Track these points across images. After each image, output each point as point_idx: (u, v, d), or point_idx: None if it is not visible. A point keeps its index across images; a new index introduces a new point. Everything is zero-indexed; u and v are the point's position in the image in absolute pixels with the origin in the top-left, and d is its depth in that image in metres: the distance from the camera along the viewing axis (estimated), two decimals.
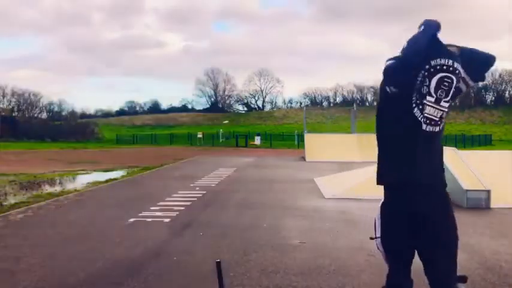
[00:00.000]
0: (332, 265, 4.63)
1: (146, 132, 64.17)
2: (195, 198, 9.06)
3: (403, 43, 2.32)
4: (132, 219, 6.96)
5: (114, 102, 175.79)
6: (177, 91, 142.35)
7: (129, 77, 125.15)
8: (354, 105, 34.37)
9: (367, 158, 20.31)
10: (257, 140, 40.69)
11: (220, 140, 47.69)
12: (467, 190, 8.06)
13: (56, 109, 65.50)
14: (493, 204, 7.97)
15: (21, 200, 9.21)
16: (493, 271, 4.47)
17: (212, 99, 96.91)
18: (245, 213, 7.60)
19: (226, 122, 77.04)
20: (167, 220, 6.91)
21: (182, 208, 7.92)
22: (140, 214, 7.39)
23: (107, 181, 12.61)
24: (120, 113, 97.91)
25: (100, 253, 5.07)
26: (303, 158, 21.57)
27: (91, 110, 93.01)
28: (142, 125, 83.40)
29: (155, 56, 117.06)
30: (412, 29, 2.36)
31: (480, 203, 8.00)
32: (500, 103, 72.95)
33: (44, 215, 7.45)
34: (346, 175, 11.99)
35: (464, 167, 8.78)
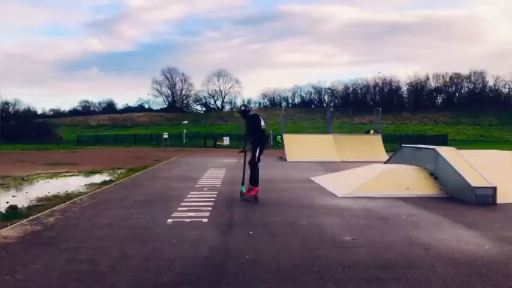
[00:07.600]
0: (399, 259, 4.94)
1: (103, 133, 62.66)
2: (213, 199, 9.13)
3: None
4: (169, 220, 6.98)
5: (65, 102, 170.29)
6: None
7: None
8: (331, 107, 35.20)
9: (345, 157, 21.00)
10: (226, 141, 40.78)
11: (184, 141, 47.28)
12: (475, 187, 8.65)
13: (10, 109, 62.68)
14: (498, 201, 8.60)
15: (33, 203, 8.95)
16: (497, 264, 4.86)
17: (169, 99, 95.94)
18: (273, 212, 7.77)
19: (186, 122, 76.45)
20: (205, 220, 6.99)
21: (209, 208, 7.98)
22: (173, 215, 7.40)
23: (106, 182, 12.38)
24: (74, 112, 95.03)
25: (171, 253, 5.12)
26: (282, 158, 21.86)
27: (41, 110, 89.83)
28: (98, 125, 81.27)
29: None
30: None
31: (487, 199, 8.60)
32: (450, 105, 76.79)
33: (75, 217, 7.28)
34: (344, 174, 12.38)
35: (467, 166, 9.39)
